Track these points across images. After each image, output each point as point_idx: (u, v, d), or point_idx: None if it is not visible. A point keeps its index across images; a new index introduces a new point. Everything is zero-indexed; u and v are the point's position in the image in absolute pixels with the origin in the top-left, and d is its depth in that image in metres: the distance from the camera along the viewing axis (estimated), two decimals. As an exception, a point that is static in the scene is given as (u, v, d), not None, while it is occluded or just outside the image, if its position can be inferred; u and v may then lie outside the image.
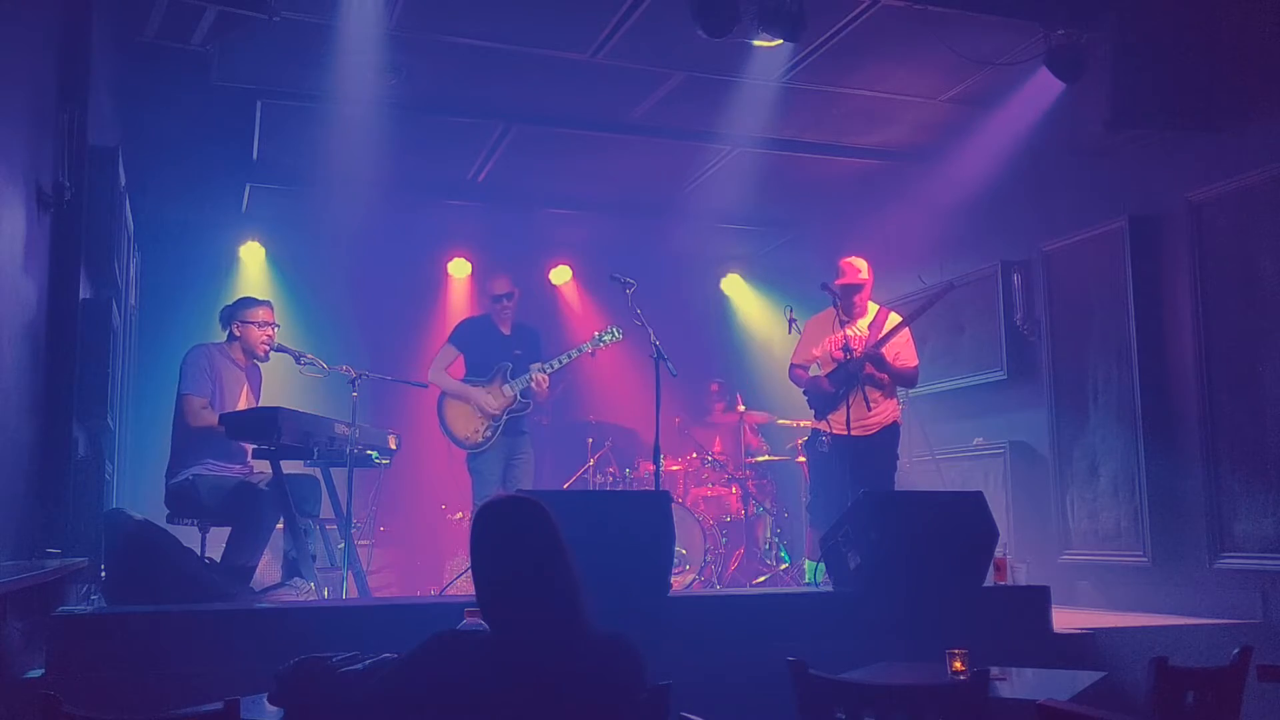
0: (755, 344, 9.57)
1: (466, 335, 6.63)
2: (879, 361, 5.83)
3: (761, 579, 7.37)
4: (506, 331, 6.59)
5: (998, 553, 5.06)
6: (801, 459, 7.19)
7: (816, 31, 5.76)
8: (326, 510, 5.56)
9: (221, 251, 8.54)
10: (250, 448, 5.15)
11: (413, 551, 8.08)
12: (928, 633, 4.32)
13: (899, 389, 6.20)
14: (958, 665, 3.16)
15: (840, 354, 5.79)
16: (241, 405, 5.32)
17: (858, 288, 5.97)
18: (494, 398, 6.38)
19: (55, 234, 4.51)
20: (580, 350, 6.54)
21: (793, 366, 6.24)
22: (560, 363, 6.48)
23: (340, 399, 5.81)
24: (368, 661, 2.43)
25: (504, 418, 6.40)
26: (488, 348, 6.53)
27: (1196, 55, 5.73)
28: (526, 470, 6.48)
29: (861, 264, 6.03)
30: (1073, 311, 6.67)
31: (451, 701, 2.19)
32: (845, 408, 5.75)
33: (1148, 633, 5.11)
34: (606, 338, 6.53)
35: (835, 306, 6.00)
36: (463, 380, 6.51)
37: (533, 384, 6.37)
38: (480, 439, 6.39)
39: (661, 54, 6.24)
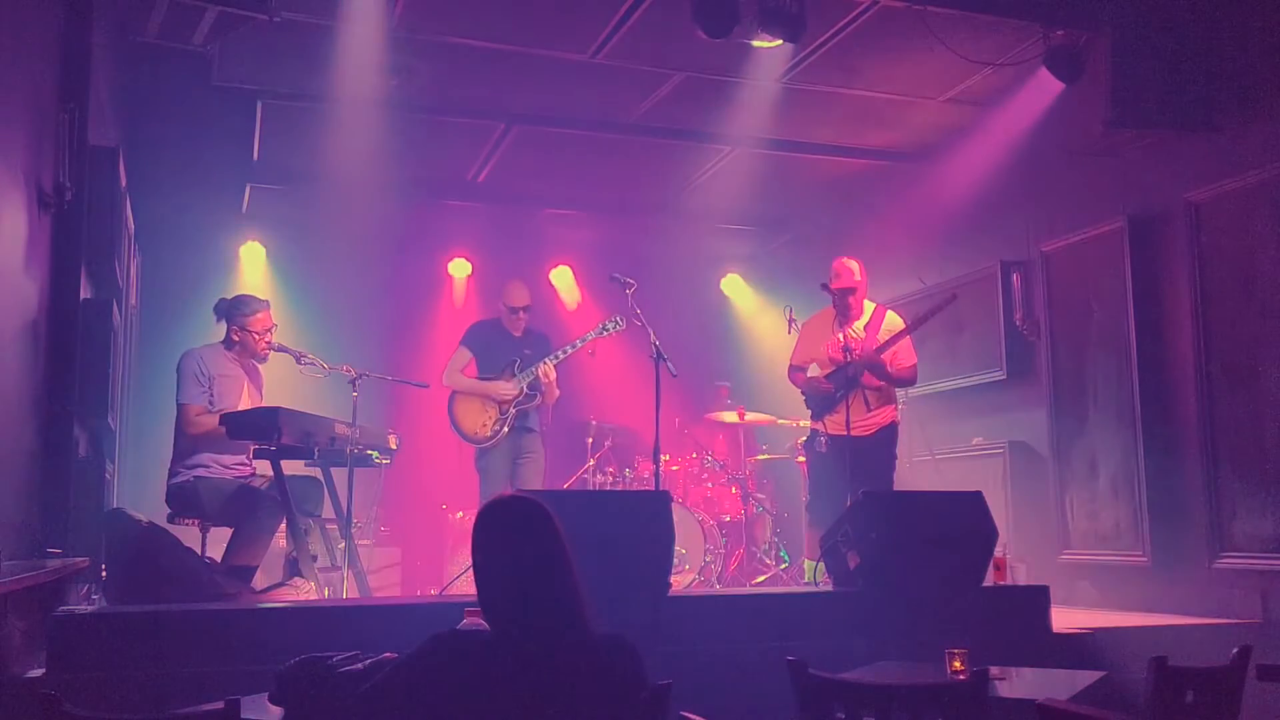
0: (755, 344, 9.57)
1: (478, 337, 6.66)
2: (878, 370, 5.86)
3: (761, 579, 7.37)
4: (517, 334, 6.62)
5: (997, 552, 5.06)
6: (801, 459, 7.20)
7: (816, 32, 5.76)
8: (327, 510, 5.57)
9: (222, 251, 8.54)
10: (251, 447, 5.15)
11: (413, 551, 8.09)
12: (927, 632, 4.32)
13: (899, 389, 6.22)
14: (957, 665, 3.16)
15: (840, 355, 5.80)
16: (244, 404, 5.32)
17: (851, 291, 5.99)
18: (505, 387, 6.41)
19: (56, 234, 4.51)
20: (584, 339, 6.53)
21: (791, 368, 6.26)
22: (565, 353, 6.49)
23: (340, 399, 5.81)
24: (368, 661, 2.44)
25: (512, 410, 6.41)
26: (498, 349, 6.56)
27: (1195, 55, 5.74)
28: (535, 469, 6.50)
29: (854, 266, 6.04)
30: (1072, 311, 6.67)
31: (451, 701, 2.19)
32: (844, 408, 5.76)
33: (1147, 632, 5.11)
34: (610, 326, 6.49)
35: (834, 306, 6.03)
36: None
37: (539, 374, 6.38)
38: (488, 432, 6.41)
39: (661, 54, 6.24)
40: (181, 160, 7.37)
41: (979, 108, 6.95)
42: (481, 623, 2.41)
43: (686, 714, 2.53)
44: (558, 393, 6.56)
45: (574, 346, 6.52)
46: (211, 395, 5.24)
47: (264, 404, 5.41)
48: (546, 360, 6.41)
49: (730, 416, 8.09)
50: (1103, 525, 6.36)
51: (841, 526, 4.95)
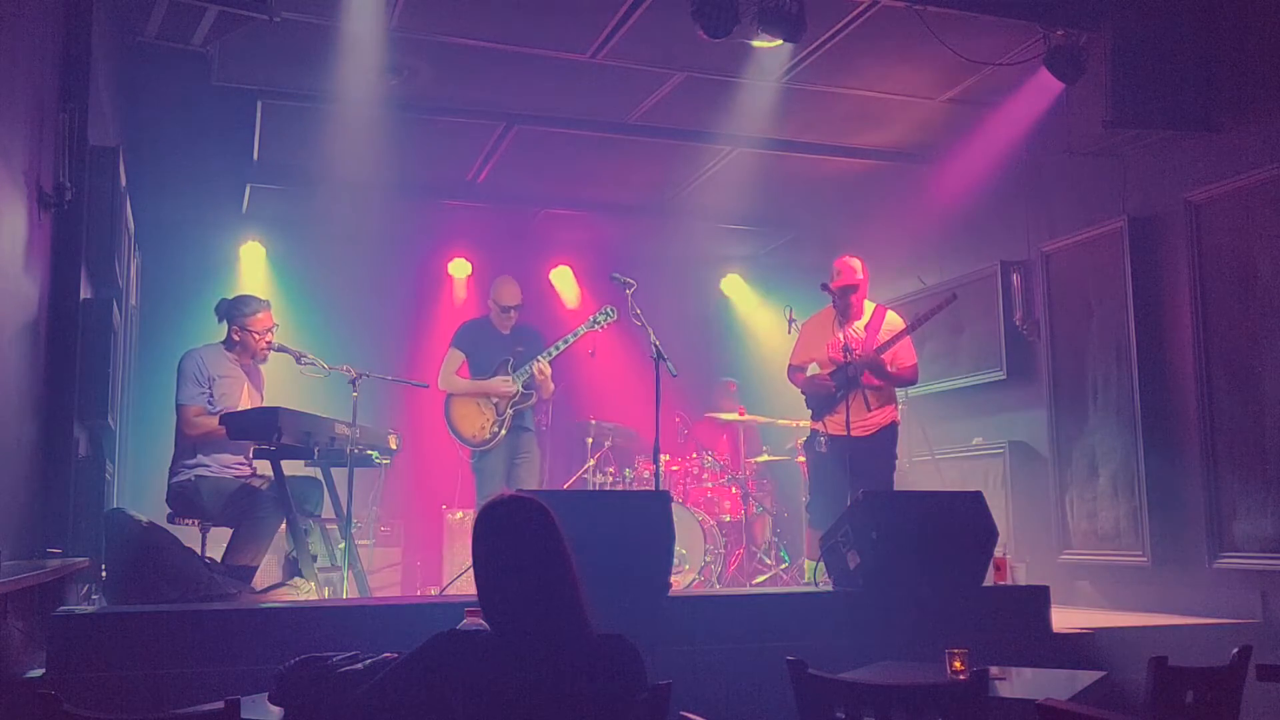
0: (755, 344, 9.57)
1: (468, 337, 6.64)
2: (878, 370, 5.86)
3: (761, 579, 7.37)
4: (506, 332, 6.60)
5: (997, 552, 5.06)
6: (801, 459, 7.20)
7: (816, 32, 5.76)
8: (327, 510, 5.57)
9: (221, 251, 8.54)
10: (251, 447, 5.15)
11: (413, 551, 8.09)
12: (927, 632, 4.32)
13: (899, 389, 6.22)
14: (957, 665, 3.16)
15: (840, 355, 5.80)
16: (244, 403, 5.32)
17: (853, 288, 5.98)
18: (503, 385, 6.40)
19: (56, 234, 4.51)
20: (576, 334, 6.50)
21: (791, 368, 6.26)
22: (559, 348, 6.47)
23: (340, 399, 5.81)
24: (368, 661, 2.44)
25: (509, 411, 6.40)
26: (489, 348, 6.54)
27: (1195, 55, 5.74)
28: (531, 469, 6.48)
29: (856, 264, 6.04)
30: (1072, 311, 6.68)
31: (451, 701, 2.19)
32: (845, 408, 5.76)
33: (1147, 632, 5.11)
34: (602, 319, 6.47)
35: (835, 306, 6.03)
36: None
37: (535, 373, 6.37)
38: (487, 435, 6.40)
39: (661, 54, 6.24)
40: (181, 160, 7.37)
41: (979, 108, 6.95)
42: (481, 623, 2.41)
43: (686, 714, 2.53)
44: (553, 386, 6.56)
45: (566, 342, 6.50)
46: (211, 395, 5.24)
47: (264, 404, 5.41)
48: (540, 358, 6.40)
49: (731, 415, 8.10)
50: (1103, 525, 6.36)
51: (841, 526, 4.95)
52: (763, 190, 8.37)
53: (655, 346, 5.57)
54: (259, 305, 5.46)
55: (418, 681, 2.23)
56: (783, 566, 7.54)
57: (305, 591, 4.95)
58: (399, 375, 6.82)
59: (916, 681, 2.98)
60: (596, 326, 6.47)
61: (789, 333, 6.28)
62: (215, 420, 5.07)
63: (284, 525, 5.11)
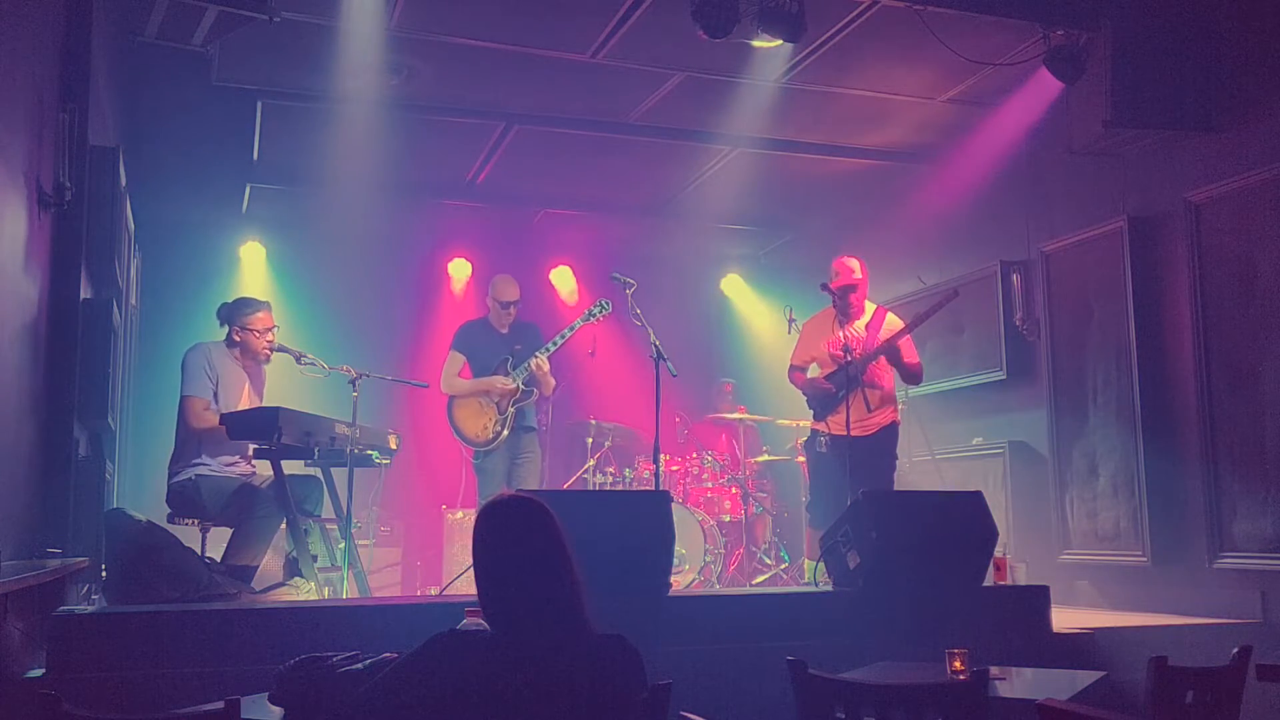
0: (755, 344, 9.58)
1: (467, 339, 6.64)
2: (892, 354, 5.83)
3: (761, 579, 7.37)
4: (504, 331, 6.60)
5: (997, 552, 5.06)
6: (801, 459, 7.20)
7: (816, 32, 5.76)
8: (327, 510, 5.57)
9: (222, 251, 8.55)
10: (251, 447, 5.15)
11: (413, 551, 8.09)
12: (927, 632, 4.33)
13: (898, 389, 6.22)
14: (957, 665, 3.16)
15: (840, 355, 5.80)
16: (243, 403, 5.32)
17: (852, 288, 5.98)
18: (503, 381, 6.40)
19: (56, 234, 4.51)
20: (572, 328, 6.50)
21: (792, 368, 6.26)
22: (555, 344, 6.45)
23: (340, 399, 5.81)
24: (368, 661, 2.44)
25: (511, 410, 6.40)
26: (489, 348, 6.55)
27: (1195, 55, 5.75)
28: (532, 468, 6.48)
29: (854, 264, 6.04)
30: (1072, 312, 6.68)
31: (451, 701, 2.19)
32: (845, 408, 5.76)
33: (1147, 632, 5.11)
34: (597, 311, 6.46)
35: (835, 306, 6.03)
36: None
37: (534, 368, 6.36)
38: (490, 435, 6.40)
39: (661, 54, 6.24)
40: (181, 160, 7.37)
41: (979, 108, 6.95)
42: (481, 623, 2.41)
43: (686, 714, 2.53)
44: (553, 382, 6.55)
45: (563, 336, 6.48)
46: (214, 391, 5.25)
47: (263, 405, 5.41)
48: (538, 354, 6.40)
49: (732, 415, 8.10)
50: (1103, 525, 6.36)
51: (841, 526, 4.95)
52: (762, 190, 8.37)
53: (655, 346, 5.57)
54: (259, 306, 5.47)
55: (418, 681, 2.22)
56: (783, 566, 7.54)
57: (305, 591, 4.95)
58: (399, 375, 6.83)
59: (916, 681, 2.98)
60: (592, 319, 6.47)
61: (789, 333, 6.28)
62: (218, 418, 5.07)
63: (284, 525, 5.11)
